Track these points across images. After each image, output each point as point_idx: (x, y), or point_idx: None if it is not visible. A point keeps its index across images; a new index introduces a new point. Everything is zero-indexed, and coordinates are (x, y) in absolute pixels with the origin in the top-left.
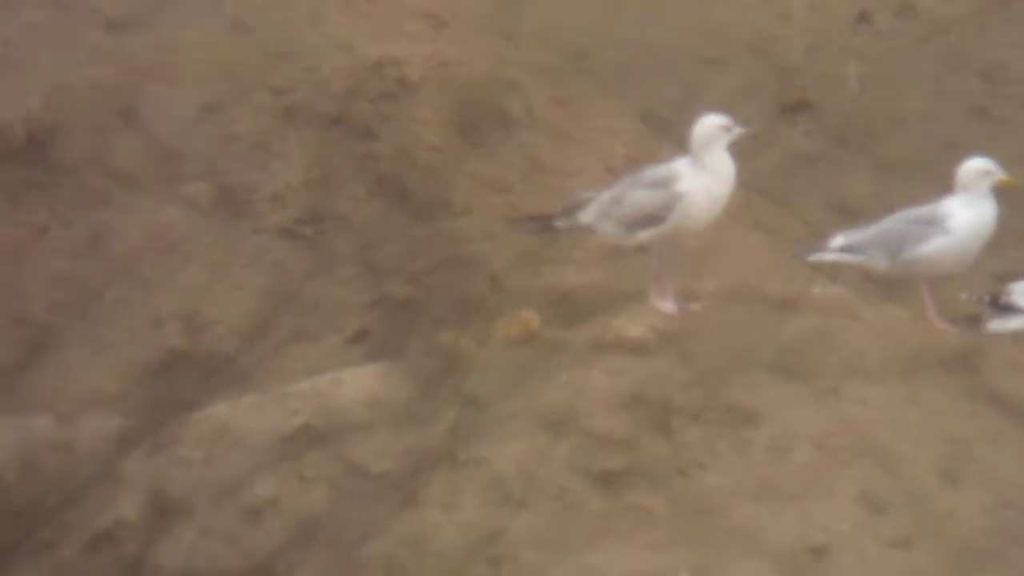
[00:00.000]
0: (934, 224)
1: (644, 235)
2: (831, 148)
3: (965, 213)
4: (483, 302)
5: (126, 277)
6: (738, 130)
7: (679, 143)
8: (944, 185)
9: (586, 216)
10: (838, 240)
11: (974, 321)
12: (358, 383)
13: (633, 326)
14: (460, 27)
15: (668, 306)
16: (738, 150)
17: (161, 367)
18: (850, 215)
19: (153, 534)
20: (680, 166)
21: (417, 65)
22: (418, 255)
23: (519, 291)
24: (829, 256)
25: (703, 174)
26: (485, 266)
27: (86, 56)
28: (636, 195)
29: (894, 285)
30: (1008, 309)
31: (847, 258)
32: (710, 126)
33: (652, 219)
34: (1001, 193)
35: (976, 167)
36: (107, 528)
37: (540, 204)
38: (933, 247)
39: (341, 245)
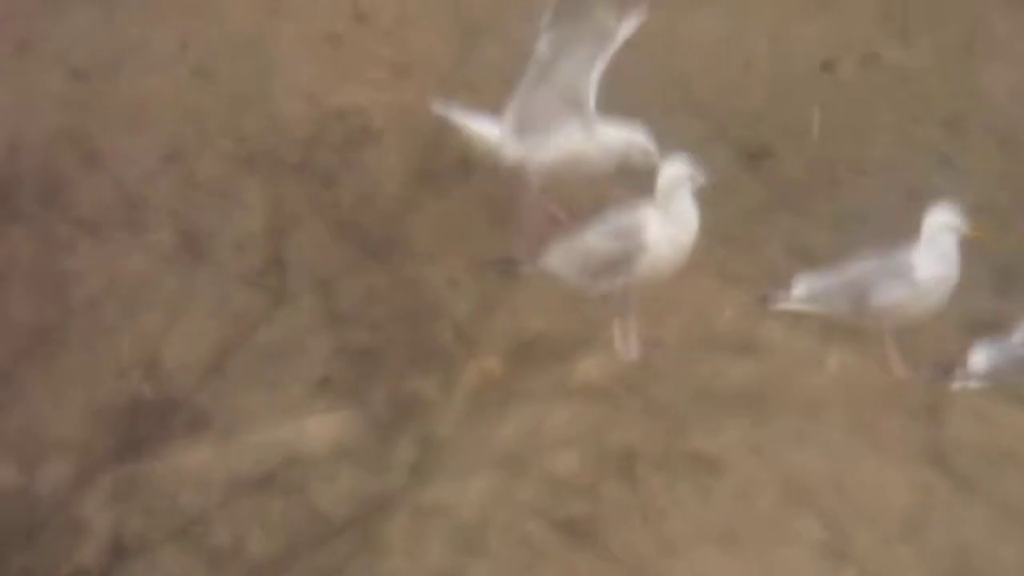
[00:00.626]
0: (898, 273)
1: (608, 283)
2: (794, 195)
3: (929, 262)
4: (446, 349)
5: (88, 324)
6: (701, 178)
7: (643, 188)
8: (908, 233)
9: (550, 261)
10: (800, 288)
11: (939, 367)
12: (321, 430)
13: (594, 371)
14: (423, 75)
15: (631, 352)
16: (701, 197)
17: (124, 414)
18: (813, 262)
19: None
20: (645, 215)
21: (380, 112)
22: (380, 302)
23: (482, 338)
24: (793, 305)
25: (668, 223)
26: (447, 313)
27: (48, 103)
28: (601, 244)
29: (858, 332)
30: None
31: (809, 307)
32: (675, 174)
33: (617, 268)
34: (967, 241)
35: (940, 217)
36: (68, 575)
37: (502, 249)
38: (897, 296)
39: (303, 292)
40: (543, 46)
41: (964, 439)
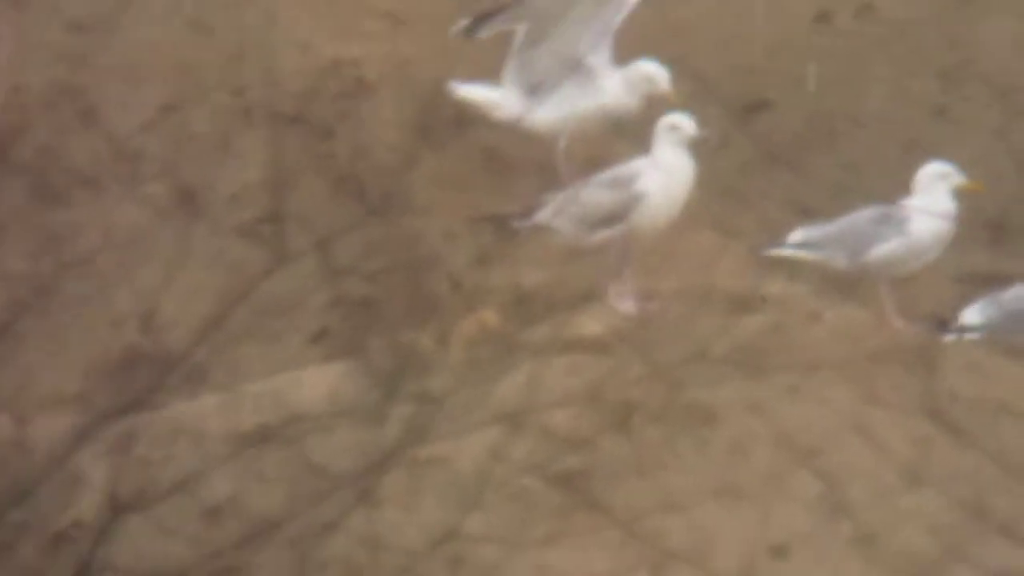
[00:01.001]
0: (893, 224)
1: (603, 235)
2: (791, 148)
3: (923, 215)
4: (442, 301)
5: (84, 276)
6: (695, 131)
7: (638, 142)
8: (904, 186)
9: (544, 216)
10: (797, 235)
11: (935, 320)
12: (317, 382)
13: (592, 325)
14: (418, 26)
15: (627, 305)
16: (697, 150)
17: (119, 367)
18: (810, 215)
19: (111, 534)
20: (639, 166)
21: (375, 64)
22: (377, 254)
23: (478, 290)
24: (787, 251)
25: (662, 174)
26: (444, 265)
27: (45, 56)
28: (595, 195)
29: (854, 284)
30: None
31: (805, 254)
32: (670, 125)
33: (611, 219)
34: (961, 194)
35: (935, 170)
36: (65, 528)
37: (499, 203)
38: (891, 247)
39: (299, 244)
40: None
41: (960, 391)
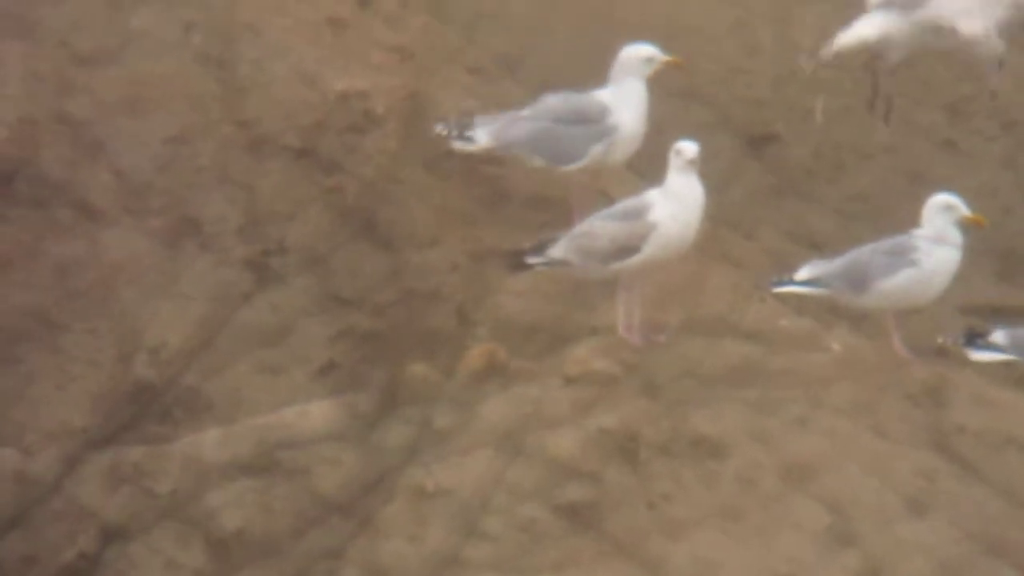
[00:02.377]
0: (900, 256)
1: (617, 266)
2: (798, 181)
3: (931, 246)
4: (449, 334)
5: (90, 309)
6: (694, 155)
7: (647, 175)
8: (911, 217)
9: (558, 251)
10: (804, 272)
11: (941, 353)
12: (324, 415)
13: (600, 358)
14: (426, 60)
15: (634, 337)
16: (706, 182)
17: (127, 399)
18: (817, 248)
19: (118, 567)
20: (650, 197)
21: (383, 97)
22: (384, 287)
23: (485, 323)
24: (795, 288)
25: (673, 204)
26: (451, 298)
27: (53, 89)
28: (609, 227)
29: (860, 317)
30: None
31: (813, 291)
32: (675, 150)
33: (626, 250)
34: (967, 227)
35: (941, 203)
36: (72, 561)
37: (506, 236)
38: (899, 280)
39: (307, 277)
40: None
41: (967, 424)
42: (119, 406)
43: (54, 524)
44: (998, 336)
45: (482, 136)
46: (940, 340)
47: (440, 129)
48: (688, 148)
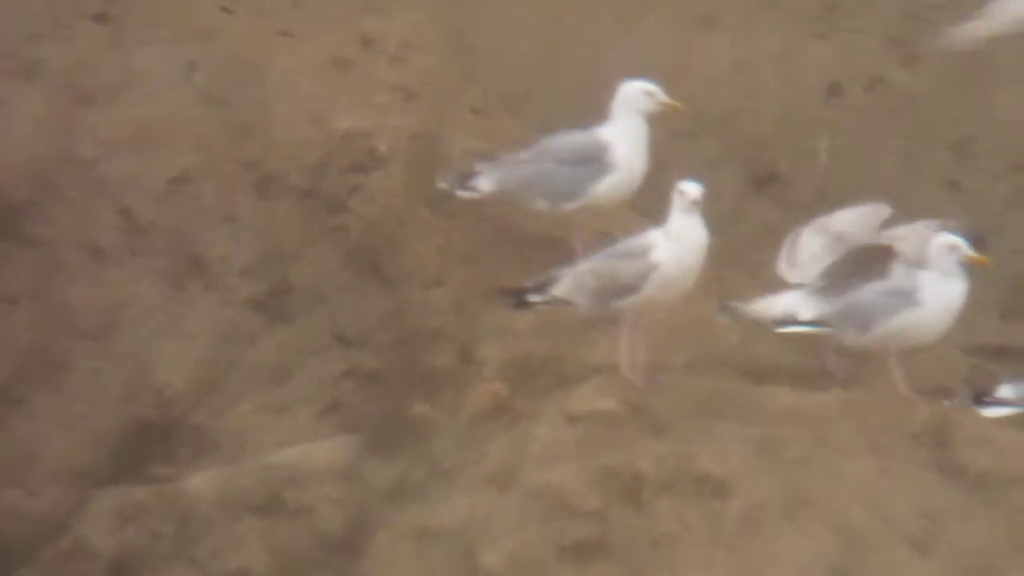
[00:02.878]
0: (904, 296)
1: (619, 305)
2: (802, 219)
3: (936, 286)
4: (453, 373)
5: (94, 348)
6: (697, 195)
7: (650, 215)
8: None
9: (559, 289)
10: (807, 312)
11: (944, 393)
12: (328, 455)
13: (603, 397)
14: (429, 99)
15: (638, 376)
16: (709, 222)
17: (131, 439)
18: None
19: None
20: (652, 237)
21: (387, 137)
22: (388, 326)
23: (489, 362)
24: (799, 328)
25: (676, 244)
26: (455, 337)
27: (59, 129)
28: (611, 266)
29: (864, 355)
30: (998, 404)
31: (815, 330)
32: (679, 191)
33: (628, 289)
34: (971, 266)
35: (945, 242)
36: None
37: (510, 275)
38: (904, 320)
39: (311, 317)
40: None
41: (971, 464)
42: (124, 446)
43: (56, 562)
44: (1005, 391)
45: (484, 183)
46: (947, 404)
47: (442, 186)
48: (692, 189)
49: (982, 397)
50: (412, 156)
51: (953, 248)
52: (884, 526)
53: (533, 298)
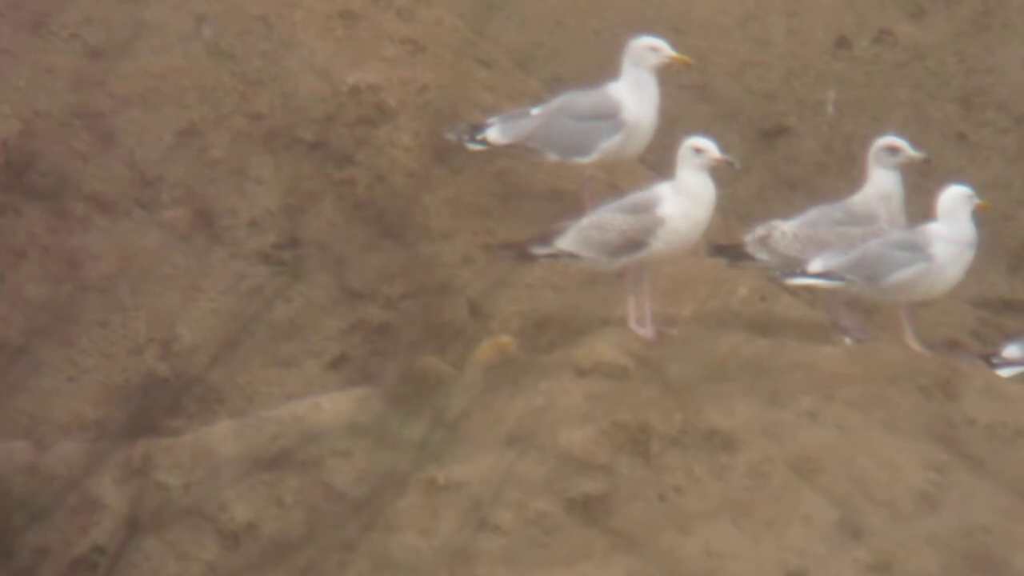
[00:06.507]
0: (915, 249)
1: (625, 260)
2: (810, 173)
3: (946, 239)
4: (460, 327)
5: (103, 302)
6: (718, 154)
7: (658, 168)
8: (922, 210)
9: (565, 242)
10: (816, 264)
11: (953, 346)
12: (336, 408)
13: (611, 350)
14: (437, 53)
15: (646, 331)
16: (717, 176)
17: (139, 392)
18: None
19: (131, 560)
20: (660, 191)
21: (394, 91)
22: (395, 280)
23: (496, 316)
24: (808, 281)
25: (684, 198)
26: (462, 291)
27: (64, 82)
28: (617, 220)
29: (872, 309)
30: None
31: (826, 283)
32: (694, 148)
33: (634, 244)
34: (982, 219)
35: (956, 194)
36: (84, 553)
37: (518, 229)
38: (913, 272)
39: (319, 270)
40: None
41: (977, 417)
42: (131, 399)
43: (65, 516)
44: (1011, 350)
45: (496, 134)
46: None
47: (451, 137)
48: (711, 148)
49: (990, 360)
50: (420, 110)
51: (964, 199)
52: (891, 480)
53: (537, 250)
